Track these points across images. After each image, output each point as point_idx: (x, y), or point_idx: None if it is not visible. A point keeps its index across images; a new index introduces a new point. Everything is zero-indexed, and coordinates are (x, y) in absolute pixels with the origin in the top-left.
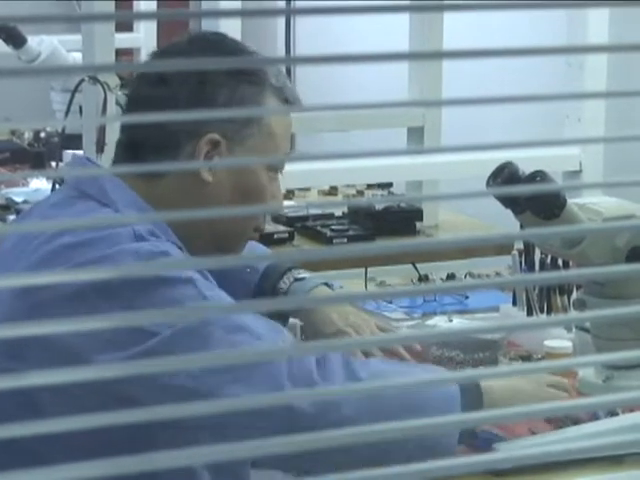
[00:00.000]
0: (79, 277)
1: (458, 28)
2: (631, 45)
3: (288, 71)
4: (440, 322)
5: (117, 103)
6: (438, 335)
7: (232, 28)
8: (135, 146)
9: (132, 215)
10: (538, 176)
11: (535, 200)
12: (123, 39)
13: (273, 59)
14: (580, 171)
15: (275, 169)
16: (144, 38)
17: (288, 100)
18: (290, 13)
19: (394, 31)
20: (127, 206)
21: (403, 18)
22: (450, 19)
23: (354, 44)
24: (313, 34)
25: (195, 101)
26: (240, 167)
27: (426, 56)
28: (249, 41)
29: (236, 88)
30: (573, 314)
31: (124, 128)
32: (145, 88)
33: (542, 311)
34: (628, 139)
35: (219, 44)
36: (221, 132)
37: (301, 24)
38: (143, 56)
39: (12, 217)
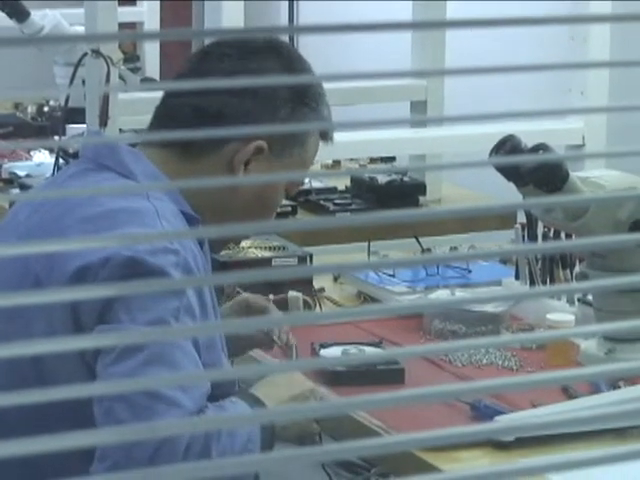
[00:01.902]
0: (89, 245)
1: None
2: (634, 15)
3: (291, 42)
4: (443, 296)
5: (120, 77)
6: (438, 305)
7: (234, 7)
8: (185, 126)
9: (149, 183)
10: (541, 149)
11: (538, 173)
12: (126, 12)
13: (275, 28)
14: (583, 145)
15: (290, 190)
16: (147, 12)
17: (326, 135)
18: None
19: (397, 11)
20: (147, 177)
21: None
22: None
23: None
24: (315, 17)
25: (260, 103)
26: (268, 180)
27: (429, 26)
28: (252, 21)
29: (297, 108)
30: (574, 284)
31: (176, 104)
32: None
33: (545, 284)
34: (630, 109)
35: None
36: (269, 142)
37: (304, 6)
38: (146, 29)
39: (15, 191)
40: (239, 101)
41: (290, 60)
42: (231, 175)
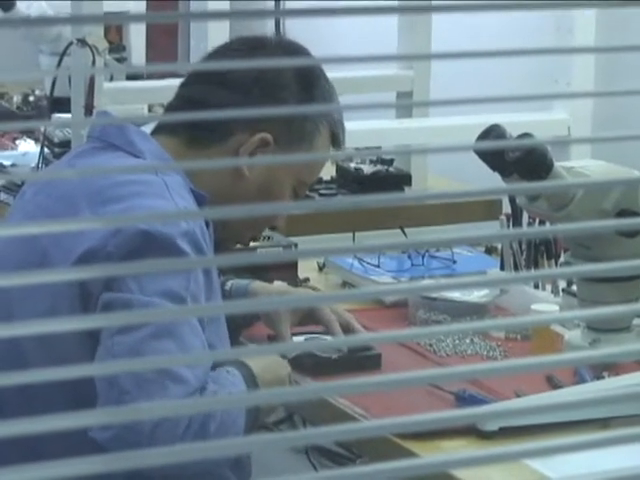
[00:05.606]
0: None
1: None
2: (619, 1)
3: (277, 26)
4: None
5: (105, 66)
6: (423, 289)
7: (220, 6)
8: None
9: (154, 162)
10: (525, 139)
11: (522, 163)
12: (111, 4)
13: (262, 12)
14: (568, 136)
15: (298, 190)
16: (133, 4)
17: (337, 139)
18: None
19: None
20: (155, 156)
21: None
22: None
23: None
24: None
25: (267, 94)
26: (274, 174)
27: (415, 10)
28: (236, 19)
29: (306, 102)
30: (556, 270)
31: (184, 97)
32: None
33: None
34: (614, 94)
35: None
36: (275, 135)
37: (290, 5)
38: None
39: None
40: (243, 92)
41: (298, 55)
42: (237, 169)
